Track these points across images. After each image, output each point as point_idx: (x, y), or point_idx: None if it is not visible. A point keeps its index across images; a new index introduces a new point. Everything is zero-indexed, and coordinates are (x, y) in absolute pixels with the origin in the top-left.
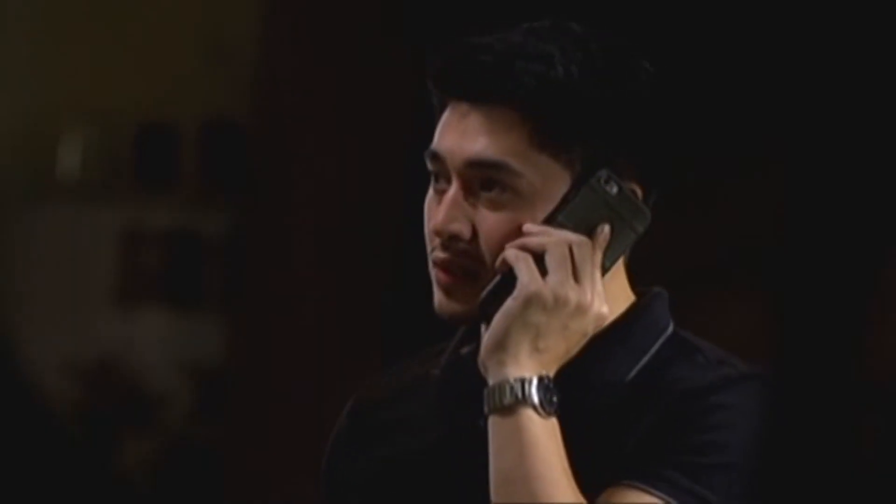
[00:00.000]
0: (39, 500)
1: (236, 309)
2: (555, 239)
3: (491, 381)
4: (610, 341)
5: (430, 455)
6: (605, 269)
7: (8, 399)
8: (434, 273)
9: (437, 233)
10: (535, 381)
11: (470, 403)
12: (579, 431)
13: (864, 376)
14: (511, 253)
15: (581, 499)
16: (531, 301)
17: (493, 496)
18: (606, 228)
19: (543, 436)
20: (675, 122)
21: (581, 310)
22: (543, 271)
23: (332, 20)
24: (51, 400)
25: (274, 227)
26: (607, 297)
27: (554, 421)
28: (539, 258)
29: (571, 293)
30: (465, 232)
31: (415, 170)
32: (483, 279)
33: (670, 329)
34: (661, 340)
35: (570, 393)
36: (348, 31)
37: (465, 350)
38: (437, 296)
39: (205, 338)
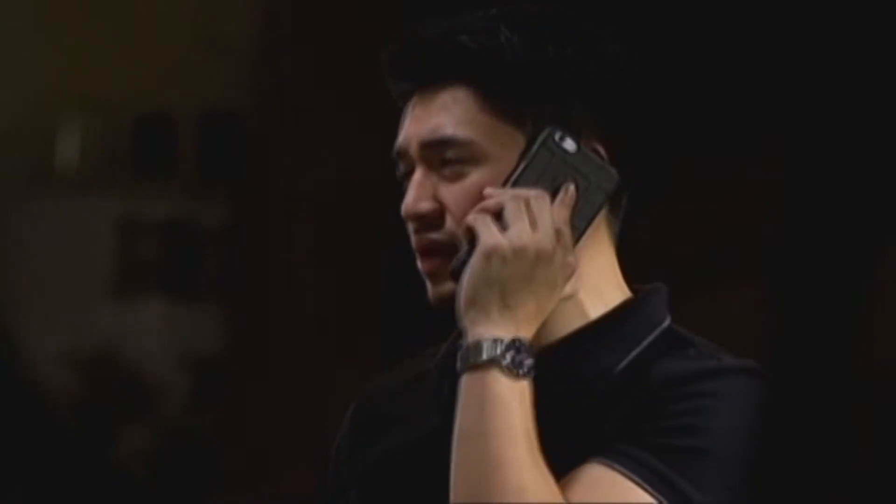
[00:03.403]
0: (39, 489)
1: (234, 299)
2: (509, 195)
3: (465, 341)
4: (602, 332)
5: (422, 447)
6: (579, 232)
7: (7, 389)
8: (419, 266)
9: (408, 216)
10: (506, 342)
11: None
12: (568, 421)
13: (861, 370)
14: (470, 216)
15: (541, 461)
16: (491, 255)
17: (452, 454)
18: (571, 188)
19: (508, 396)
20: (632, 80)
21: (542, 258)
22: (504, 228)
23: (332, 11)
24: (49, 390)
25: (272, 218)
26: (598, 287)
27: (524, 384)
28: (499, 217)
29: (529, 242)
30: (434, 209)
31: None
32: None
33: (665, 323)
34: (654, 334)
35: (559, 383)
36: (348, 23)
37: (461, 342)
38: (428, 287)
39: (203, 328)
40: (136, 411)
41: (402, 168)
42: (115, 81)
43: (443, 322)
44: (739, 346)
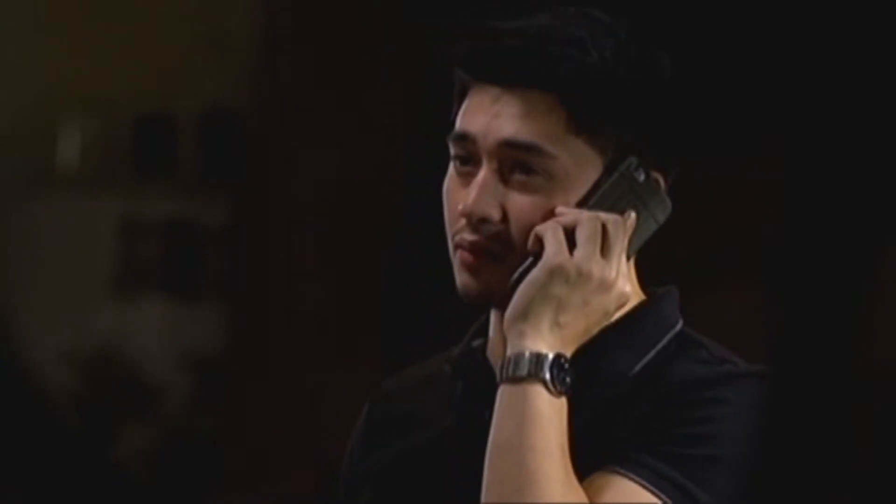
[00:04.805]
0: (39, 488)
1: (235, 299)
2: (587, 215)
3: (509, 352)
4: (618, 335)
5: (435, 447)
6: (627, 257)
7: (8, 388)
8: (458, 255)
9: (467, 215)
10: (550, 358)
11: (477, 395)
12: (583, 423)
13: (861, 370)
14: (541, 226)
15: (573, 478)
16: (554, 273)
17: (486, 465)
18: (633, 216)
19: (548, 411)
20: (690, 111)
21: (604, 286)
22: (573, 246)
23: (332, 11)
24: (50, 389)
25: (273, 217)
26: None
27: (563, 401)
28: (570, 234)
29: (596, 268)
30: (496, 215)
31: (415, 157)
32: (511, 263)
33: (679, 326)
34: (668, 336)
35: (575, 385)
36: (348, 23)
37: (476, 343)
38: (461, 277)
39: (203, 327)
40: (136, 411)
41: (460, 150)
42: (115, 81)
43: (443, 322)
44: (739, 346)
